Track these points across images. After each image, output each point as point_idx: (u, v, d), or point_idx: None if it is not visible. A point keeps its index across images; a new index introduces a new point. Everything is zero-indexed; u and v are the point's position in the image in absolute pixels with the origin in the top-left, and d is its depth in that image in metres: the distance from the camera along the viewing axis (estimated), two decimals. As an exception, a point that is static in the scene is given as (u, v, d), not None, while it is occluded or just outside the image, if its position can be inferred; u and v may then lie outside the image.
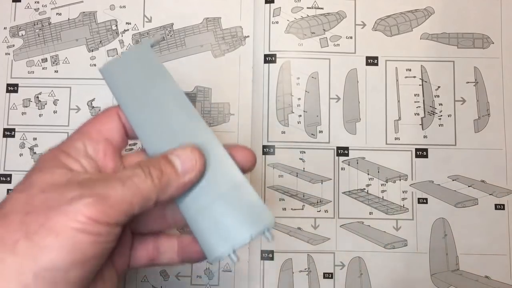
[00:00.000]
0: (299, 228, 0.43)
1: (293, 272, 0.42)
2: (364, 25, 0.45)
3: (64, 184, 0.23)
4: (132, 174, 0.24)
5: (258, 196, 0.26)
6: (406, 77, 0.44)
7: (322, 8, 0.45)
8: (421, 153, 0.44)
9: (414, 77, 0.44)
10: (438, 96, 0.44)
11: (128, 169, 0.24)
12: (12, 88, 0.45)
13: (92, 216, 0.21)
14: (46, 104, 0.45)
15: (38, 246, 0.21)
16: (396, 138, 0.44)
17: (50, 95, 0.45)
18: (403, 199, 0.43)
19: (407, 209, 0.43)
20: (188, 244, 0.29)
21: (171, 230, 0.31)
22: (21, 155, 0.44)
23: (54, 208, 0.21)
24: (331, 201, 0.43)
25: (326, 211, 0.43)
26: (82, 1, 0.46)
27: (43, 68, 0.45)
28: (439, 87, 0.44)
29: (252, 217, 0.25)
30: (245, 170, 0.27)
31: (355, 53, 0.45)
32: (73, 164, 0.25)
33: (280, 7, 0.45)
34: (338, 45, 0.45)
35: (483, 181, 0.43)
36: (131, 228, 0.29)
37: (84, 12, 0.46)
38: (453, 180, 0.43)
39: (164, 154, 0.25)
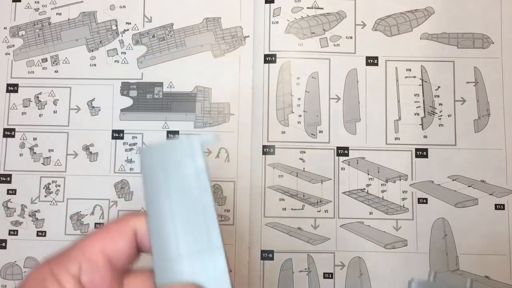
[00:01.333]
0: (299, 228, 0.43)
1: (293, 272, 0.42)
2: (364, 25, 0.45)
3: None
4: None
5: None
6: (406, 77, 0.44)
7: (322, 8, 0.45)
8: (421, 153, 0.44)
9: (414, 77, 0.44)
10: (438, 96, 0.44)
11: None
12: (12, 88, 0.45)
13: None
14: (46, 104, 0.45)
15: None
16: (396, 138, 0.44)
17: (50, 95, 0.45)
18: (403, 199, 0.43)
19: (407, 209, 0.43)
20: None
21: None
22: (21, 155, 0.44)
23: None
24: (331, 201, 0.43)
25: (326, 211, 0.43)
26: (82, 1, 0.46)
27: (43, 68, 0.45)
28: (439, 87, 0.44)
29: None
30: None
31: (355, 53, 0.45)
32: None
33: (280, 7, 0.45)
34: (338, 45, 0.45)
35: (483, 181, 0.43)
36: None
37: (84, 12, 0.46)
38: (453, 180, 0.43)
39: None
